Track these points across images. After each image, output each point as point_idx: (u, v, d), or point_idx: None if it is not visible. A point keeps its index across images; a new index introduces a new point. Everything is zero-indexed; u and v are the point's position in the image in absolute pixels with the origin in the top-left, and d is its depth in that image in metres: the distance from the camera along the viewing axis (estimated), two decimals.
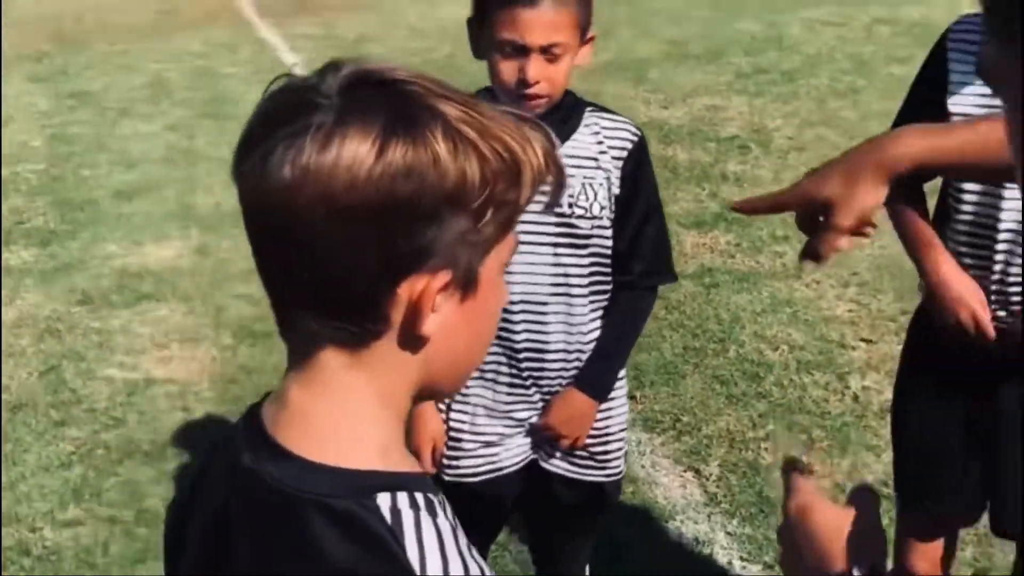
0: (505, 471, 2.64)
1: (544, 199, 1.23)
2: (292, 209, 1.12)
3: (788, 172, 6.22)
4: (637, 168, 2.54)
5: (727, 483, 3.82)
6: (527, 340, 2.52)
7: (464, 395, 2.59)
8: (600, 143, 2.51)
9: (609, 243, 2.53)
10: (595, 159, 2.49)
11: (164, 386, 4.64)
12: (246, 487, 1.20)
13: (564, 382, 2.57)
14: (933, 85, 2.47)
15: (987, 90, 2.33)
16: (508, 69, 2.36)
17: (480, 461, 2.64)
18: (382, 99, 1.14)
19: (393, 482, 1.16)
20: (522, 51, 2.34)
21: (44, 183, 7.10)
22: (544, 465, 2.65)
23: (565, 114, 2.48)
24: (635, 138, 2.55)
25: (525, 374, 2.55)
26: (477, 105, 1.17)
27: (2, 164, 7.31)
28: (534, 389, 2.57)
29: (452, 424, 2.63)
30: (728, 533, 3.61)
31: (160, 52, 10.06)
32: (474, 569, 1.15)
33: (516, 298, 2.49)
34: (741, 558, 3.51)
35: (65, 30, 11.17)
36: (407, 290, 1.14)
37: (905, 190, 2.39)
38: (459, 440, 2.63)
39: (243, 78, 9.11)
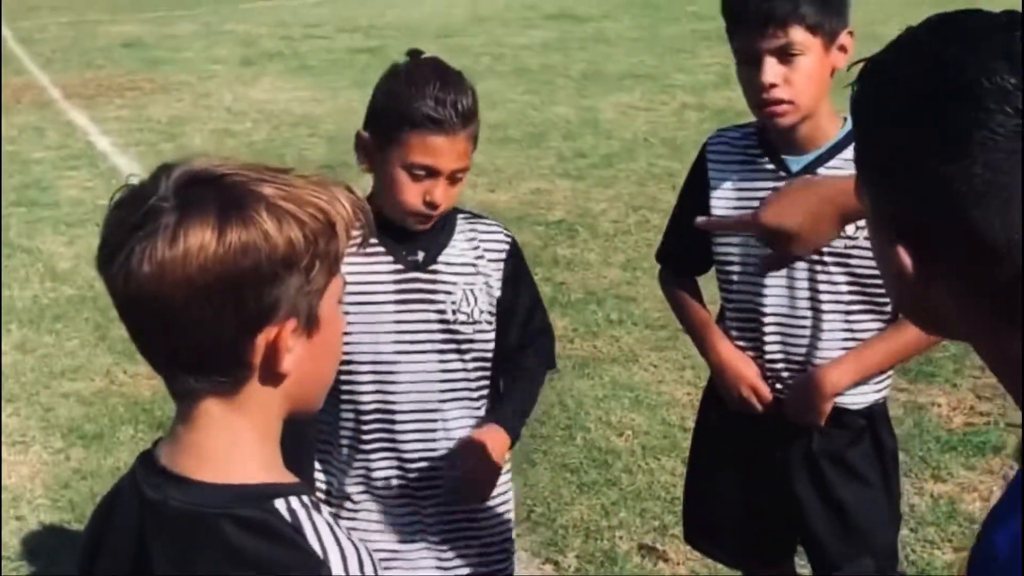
0: None
1: (358, 242, 1.49)
2: (158, 297, 1.34)
3: (617, 255, 6.32)
4: (516, 268, 2.57)
5: (585, 574, 3.77)
6: (419, 449, 2.46)
7: (354, 509, 2.50)
8: (476, 248, 2.52)
9: (491, 346, 2.53)
10: (473, 265, 2.50)
11: None
12: (156, 515, 1.41)
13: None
14: (698, 185, 2.64)
15: (739, 188, 2.53)
16: (415, 190, 2.36)
17: None
18: (212, 193, 1.35)
19: (283, 490, 1.41)
20: (433, 175, 2.35)
21: None
22: None
23: (439, 223, 2.45)
24: (509, 240, 2.59)
25: (415, 484, 2.46)
26: (289, 180, 1.39)
27: None
28: (427, 502, 2.49)
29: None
30: None
31: None
32: (351, 548, 1.40)
33: (406, 407, 2.44)
34: None
35: None
36: (263, 339, 1.38)
37: (681, 279, 2.75)
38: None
39: (53, 163, 8.77)
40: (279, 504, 1.40)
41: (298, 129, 9.70)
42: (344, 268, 2.31)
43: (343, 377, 2.41)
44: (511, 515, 2.65)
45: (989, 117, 1.02)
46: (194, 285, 1.34)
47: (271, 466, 1.46)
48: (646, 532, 4.00)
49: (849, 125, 2.14)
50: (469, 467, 2.45)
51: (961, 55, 1.05)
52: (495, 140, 8.93)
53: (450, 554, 2.54)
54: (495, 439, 2.47)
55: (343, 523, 2.46)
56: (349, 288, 2.34)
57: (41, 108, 10.69)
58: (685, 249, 2.71)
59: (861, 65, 1.16)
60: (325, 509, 1.45)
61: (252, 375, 1.41)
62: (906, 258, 1.10)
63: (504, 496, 2.60)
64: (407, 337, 2.44)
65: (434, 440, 2.49)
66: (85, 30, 15.87)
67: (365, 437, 2.47)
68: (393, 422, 2.46)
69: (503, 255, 2.55)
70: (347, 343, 2.34)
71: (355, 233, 1.47)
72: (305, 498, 1.43)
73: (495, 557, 2.61)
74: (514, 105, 10.12)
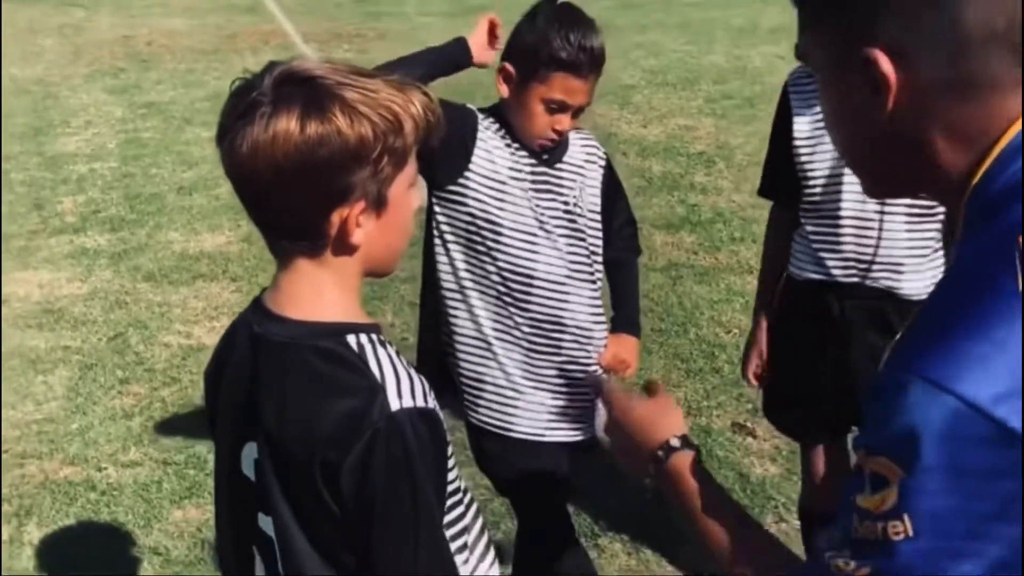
0: (515, 434, 2.59)
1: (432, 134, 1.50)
2: (253, 173, 1.40)
3: (747, 183, 6.24)
4: (609, 175, 2.66)
5: None
6: (549, 312, 2.53)
7: (490, 350, 2.56)
8: (585, 156, 2.61)
9: (600, 236, 2.61)
10: (583, 167, 2.59)
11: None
12: (261, 346, 1.50)
13: (576, 351, 2.57)
14: (784, 115, 2.68)
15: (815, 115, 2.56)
16: (546, 120, 2.42)
17: (496, 414, 2.59)
18: (300, 91, 1.39)
19: (355, 328, 1.48)
20: (564, 109, 2.40)
21: (117, 179, 7.10)
22: (551, 439, 2.61)
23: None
24: (605, 155, 2.66)
25: (541, 339, 2.54)
26: (369, 84, 1.43)
27: (82, 163, 7.35)
28: (546, 354, 2.56)
29: (477, 373, 2.58)
30: None
31: (219, 70, 10.05)
32: (406, 377, 1.46)
33: (542, 275, 2.51)
34: None
35: (139, 51, 11.20)
36: (337, 216, 1.43)
37: (779, 227, 2.83)
38: (481, 389, 2.59)
39: None
40: (350, 338, 1.47)
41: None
42: (494, 156, 2.45)
43: (490, 241, 2.47)
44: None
45: None
46: (279, 166, 1.38)
47: (348, 311, 1.51)
48: (739, 413, 4.06)
49: None
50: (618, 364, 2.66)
51: None
52: (654, 83, 8.87)
53: (557, 402, 2.59)
54: (629, 347, 2.69)
55: (476, 360, 2.57)
56: (498, 172, 2.45)
57: (285, 49, 11.09)
58: (777, 172, 2.78)
59: None
60: (391, 346, 1.51)
61: (330, 243, 1.46)
62: (887, 64, 1.03)
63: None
64: (543, 217, 2.49)
65: (561, 307, 2.53)
66: None
67: (507, 295, 2.50)
68: (532, 285, 2.50)
69: (603, 165, 2.64)
70: (496, 212, 2.46)
71: (425, 129, 1.48)
72: (373, 336, 1.49)
73: (587, 417, 2.65)
74: (675, 54, 9.97)
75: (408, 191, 1.52)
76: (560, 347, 2.55)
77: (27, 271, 5.63)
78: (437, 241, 2.53)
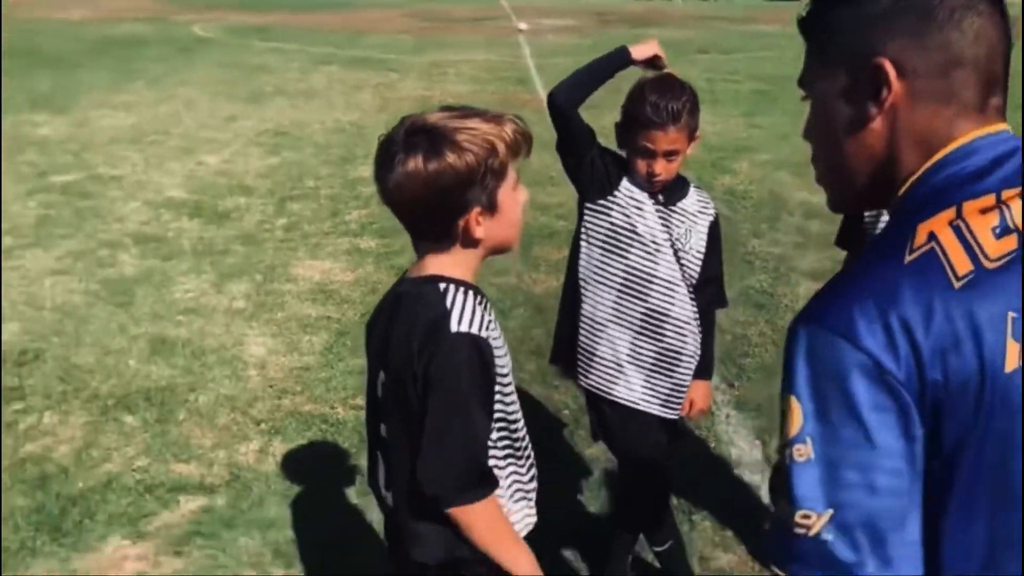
0: (615, 398, 2.59)
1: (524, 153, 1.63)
2: (397, 200, 1.60)
3: None
4: (715, 228, 2.64)
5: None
6: (657, 313, 2.56)
7: (606, 333, 2.57)
8: (698, 208, 2.61)
9: (696, 272, 2.59)
10: (695, 216, 2.59)
11: None
12: (393, 298, 1.69)
13: (674, 340, 2.58)
14: None
15: None
16: (642, 165, 2.45)
17: (602, 382, 2.60)
18: (421, 138, 1.56)
19: (449, 280, 1.62)
20: (652, 154, 2.43)
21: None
22: (644, 409, 2.61)
23: (678, 185, 2.57)
24: (715, 211, 2.67)
25: (645, 326, 2.57)
26: (471, 122, 1.58)
27: (371, 186, 7.79)
28: (649, 339, 2.58)
29: (591, 347, 2.59)
30: None
31: None
32: (470, 312, 1.57)
33: (656, 288, 2.54)
34: None
35: (431, 106, 11.70)
36: (462, 222, 1.60)
37: None
38: (592, 361, 2.60)
39: None
40: (440, 285, 1.61)
41: None
42: (627, 195, 2.50)
43: (624, 245, 2.50)
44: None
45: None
46: (415, 194, 1.56)
47: (454, 275, 1.64)
48: None
49: None
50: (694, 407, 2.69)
51: None
52: None
53: (651, 380, 2.60)
54: (702, 391, 2.70)
55: (592, 338, 2.58)
56: (636, 196, 2.49)
57: (539, 111, 11.40)
58: (848, 229, 2.74)
59: None
60: (477, 296, 1.62)
61: (457, 240, 1.63)
62: (893, 71, 1.02)
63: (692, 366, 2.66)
64: (658, 241, 2.52)
65: (670, 304, 2.55)
66: None
67: (628, 288, 2.53)
68: (651, 283, 2.53)
69: (712, 216, 2.63)
70: (635, 224, 2.49)
71: (516, 148, 1.61)
72: (461, 286, 1.62)
73: (678, 398, 2.66)
74: None
75: (513, 192, 1.64)
76: (663, 335, 2.57)
77: (315, 260, 6.04)
78: (583, 240, 2.59)
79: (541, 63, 15.08)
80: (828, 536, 0.91)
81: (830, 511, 0.91)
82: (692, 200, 2.60)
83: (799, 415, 0.93)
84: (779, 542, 0.95)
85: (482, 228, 1.61)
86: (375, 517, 3.25)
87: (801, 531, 0.93)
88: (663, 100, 2.37)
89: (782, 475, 0.96)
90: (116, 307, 5.24)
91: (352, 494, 3.49)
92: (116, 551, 3.20)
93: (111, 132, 9.78)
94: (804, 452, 0.93)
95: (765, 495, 3.42)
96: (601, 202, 2.53)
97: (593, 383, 2.62)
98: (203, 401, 4.19)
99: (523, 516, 1.76)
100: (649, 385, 2.59)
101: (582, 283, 2.59)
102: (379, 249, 6.24)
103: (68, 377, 4.38)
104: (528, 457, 1.78)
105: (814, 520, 0.92)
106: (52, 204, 7.22)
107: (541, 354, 4.37)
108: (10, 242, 6.33)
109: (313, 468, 3.68)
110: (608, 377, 2.59)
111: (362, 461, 3.65)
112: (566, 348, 2.66)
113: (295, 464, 3.71)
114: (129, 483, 3.57)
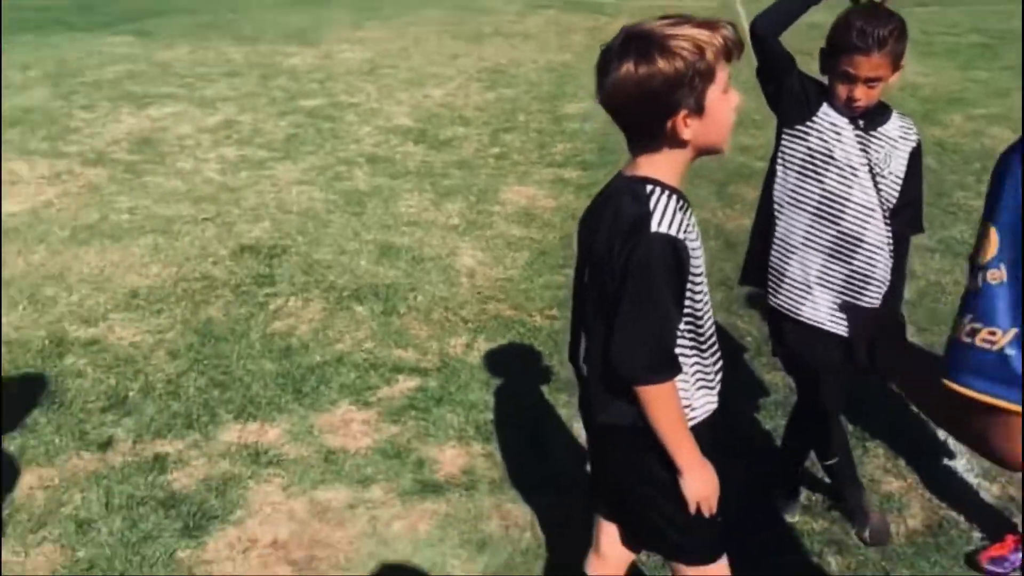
0: (802, 319, 2.58)
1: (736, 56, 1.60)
2: (613, 102, 1.64)
3: None
4: (916, 153, 2.57)
5: None
6: (853, 231, 2.52)
7: (798, 255, 2.55)
8: (900, 134, 2.55)
9: (895, 199, 2.54)
10: (895, 142, 2.53)
11: None
12: (607, 193, 1.74)
13: (864, 264, 2.53)
14: None
15: None
16: (843, 90, 2.43)
17: (790, 301, 2.58)
18: (634, 43, 1.59)
19: (657, 183, 1.66)
20: (853, 80, 2.39)
21: (598, 136, 7.27)
22: (830, 329, 2.56)
23: (879, 110, 2.52)
24: (918, 137, 2.58)
25: (846, 253, 2.54)
26: (681, 28, 1.56)
27: (575, 122, 7.94)
28: (838, 263, 2.55)
29: (782, 268, 2.57)
30: None
31: None
32: (671, 215, 1.61)
33: (851, 211, 2.50)
34: None
35: None
36: (670, 123, 1.61)
37: None
38: (782, 280, 2.59)
39: None
40: (648, 187, 1.66)
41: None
42: (826, 120, 2.47)
43: (821, 169, 2.46)
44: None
45: None
46: (628, 95, 1.59)
47: (664, 177, 1.68)
48: None
49: None
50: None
51: None
52: None
53: (838, 301, 2.56)
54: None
55: (784, 259, 2.58)
56: (836, 121, 2.46)
57: None
58: None
59: None
60: (681, 201, 1.65)
61: (666, 141, 1.65)
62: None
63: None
64: (854, 166, 2.49)
65: (863, 228, 2.50)
66: None
67: (822, 212, 2.50)
68: (845, 207, 2.49)
69: (914, 143, 2.56)
70: (832, 149, 2.45)
71: (726, 53, 1.59)
72: (668, 191, 1.65)
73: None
74: None
75: (723, 96, 1.62)
76: (853, 258, 2.53)
77: (522, 187, 6.33)
78: (779, 164, 2.57)
79: (750, 8, 14.50)
80: (1011, 351, 0.95)
81: (1015, 330, 0.94)
82: (894, 125, 2.52)
83: (996, 242, 0.96)
84: (961, 356, 0.98)
85: (690, 130, 1.61)
86: (560, 407, 3.52)
87: (986, 345, 0.96)
88: (869, 26, 2.32)
89: (973, 296, 0.98)
90: (351, 215, 5.81)
91: (545, 391, 3.78)
92: (345, 414, 3.67)
93: (350, 64, 10.52)
94: (997, 276, 0.95)
95: (940, 432, 3.41)
96: (799, 127, 2.50)
97: (781, 302, 2.61)
98: (421, 299, 4.63)
99: (704, 403, 1.82)
100: (836, 307, 2.55)
101: (776, 207, 2.57)
102: (580, 180, 6.41)
103: (310, 270, 4.96)
104: (713, 351, 1.83)
105: (999, 336, 0.95)
106: (300, 124, 7.97)
107: (728, 286, 4.48)
108: (264, 154, 7.10)
109: (511, 363, 3.98)
110: (796, 297, 2.58)
111: (554, 363, 3.96)
112: (756, 269, 2.66)
113: (496, 358, 4.02)
114: (358, 360, 4.06)
